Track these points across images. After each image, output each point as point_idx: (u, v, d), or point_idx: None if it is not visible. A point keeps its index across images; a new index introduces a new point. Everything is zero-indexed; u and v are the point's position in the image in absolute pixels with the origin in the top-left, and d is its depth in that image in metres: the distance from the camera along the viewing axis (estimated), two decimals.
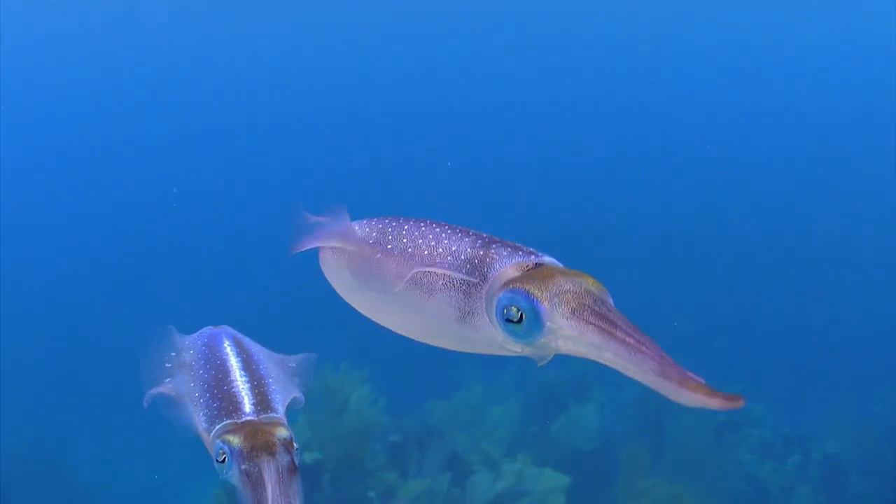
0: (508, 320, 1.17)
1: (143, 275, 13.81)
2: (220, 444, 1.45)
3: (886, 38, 19.52)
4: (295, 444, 1.47)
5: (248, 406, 1.51)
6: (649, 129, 18.15)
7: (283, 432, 1.47)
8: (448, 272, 1.24)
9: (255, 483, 1.39)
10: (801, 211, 15.03)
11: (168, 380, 1.68)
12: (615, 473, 6.20)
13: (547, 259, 1.23)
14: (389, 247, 1.32)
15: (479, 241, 1.26)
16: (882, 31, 19.86)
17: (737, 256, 13.18)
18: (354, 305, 1.44)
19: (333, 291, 1.50)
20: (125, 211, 15.85)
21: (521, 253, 1.23)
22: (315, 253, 1.50)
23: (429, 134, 18.07)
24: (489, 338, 1.23)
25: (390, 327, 1.39)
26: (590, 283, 1.16)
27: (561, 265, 1.23)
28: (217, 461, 1.45)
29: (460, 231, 1.30)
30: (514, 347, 1.20)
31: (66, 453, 8.87)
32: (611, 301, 1.16)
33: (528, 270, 1.19)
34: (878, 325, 11.16)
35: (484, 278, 1.22)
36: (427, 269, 1.26)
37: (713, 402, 1.02)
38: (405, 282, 1.28)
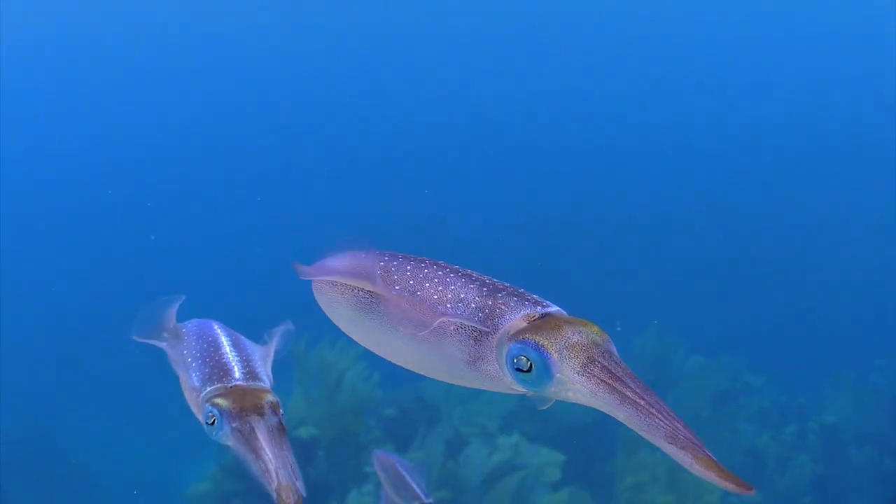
0: (518, 369, 1.22)
1: (140, 262, 13.85)
2: (210, 408, 1.50)
3: (879, 30, 19.49)
4: (281, 410, 1.51)
5: (237, 373, 1.58)
6: (645, 123, 18.16)
7: (270, 396, 1.52)
8: (460, 320, 1.27)
9: (249, 437, 1.45)
10: (800, 187, 15.06)
11: (165, 335, 1.75)
12: (614, 446, 6.18)
13: (553, 308, 1.26)
14: (398, 287, 1.34)
15: (485, 289, 1.29)
16: (877, 25, 19.82)
17: (738, 232, 13.19)
18: (354, 337, 1.46)
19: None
20: (122, 203, 15.91)
21: (528, 302, 1.27)
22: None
23: (426, 130, 18.02)
24: (497, 381, 1.27)
25: (392, 360, 1.41)
26: (595, 333, 1.21)
27: (566, 314, 1.26)
28: (207, 424, 1.50)
29: (462, 275, 1.33)
30: (521, 390, 1.26)
31: (64, 434, 8.87)
32: (615, 351, 1.21)
33: (535, 321, 1.23)
34: (877, 297, 11.16)
35: (495, 328, 1.25)
36: (439, 315, 1.29)
37: (727, 485, 1.06)
38: (414, 324, 1.31)
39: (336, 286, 1.42)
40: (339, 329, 1.48)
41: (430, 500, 2.96)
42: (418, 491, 2.97)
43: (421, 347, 1.32)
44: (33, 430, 8.55)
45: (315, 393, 5.90)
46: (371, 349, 1.44)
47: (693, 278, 11.89)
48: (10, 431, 8.19)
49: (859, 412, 7.53)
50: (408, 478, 2.99)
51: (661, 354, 7.80)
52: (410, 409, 6.06)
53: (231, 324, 1.80)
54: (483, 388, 1.32)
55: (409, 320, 1.32)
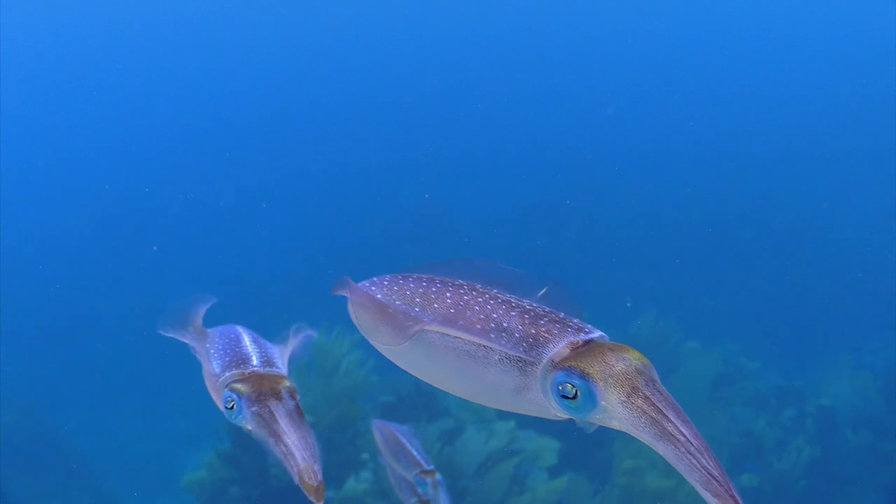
0: (564, 396, 1.24)
1: (139, 256, 13.85)
2: (228, 393, 1.56)
3: (880, 30, 19.50)
4: (298, 395, 1.57)
5: (255, 360, 1.65)
6: (641, 114, 18.18)
7: (287, 382, 1.59)
8: (505, 350, 1.29)
9: (269, 420, 1.50)
10: (793, 173, 15.08)
11: (191, 330, 1.83)
12: (612, 431, 6.18)
13: (595, 334, 1.29)
14: (440, 318, 1.35)
15: (527, 316, 1.31)
16: (878, 25, 19.83)
17: (732, 218, 13.20)
18: (389, 357, 1.46)
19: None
20: (123, 198, 15.92)
21: (571, 329, 1.28)
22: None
23: (426, 128, 18.00)
24: (541, 407, 1.29)
25: (436, 385, 1.43)
26: (637, 359, 1.23)
27: (608, 338, 1.29)
28: (226, 408, 1.56)
29: (503, 302, 1.34)
30: (565, 416, 1.28)
31: (62, 423, 8.87)
32: (656, 376, 1.23)
33: (579, 348, 1.26)
34: (870, 280, 11.17)
35: (540, 357, 1.27)
36: (483, 345, 1.30)
37: None
38: (458, 353, 1.33)
39: (378, 314, 1.43)
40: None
41: (431, 467, 2.93)
42: (419, 458, 2.94)
43: (465, 376, 1.33)
44: (31, 420, 8.54)
45: (311, 380, 5.89)
46: (415, 375, 1.45)
47: (688, 264, 11.89)
48: (8, 423, 8.18)
49: (856, 395, 7.54)
50: (408, 445, 2.97)
51: (656, 340, 7.80)
52: (407, 395, 6.05)
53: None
54: (527, 413, 1.33)
55: (451, 349, 1.33)
